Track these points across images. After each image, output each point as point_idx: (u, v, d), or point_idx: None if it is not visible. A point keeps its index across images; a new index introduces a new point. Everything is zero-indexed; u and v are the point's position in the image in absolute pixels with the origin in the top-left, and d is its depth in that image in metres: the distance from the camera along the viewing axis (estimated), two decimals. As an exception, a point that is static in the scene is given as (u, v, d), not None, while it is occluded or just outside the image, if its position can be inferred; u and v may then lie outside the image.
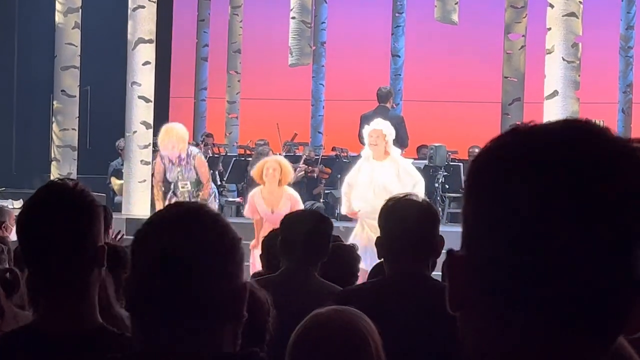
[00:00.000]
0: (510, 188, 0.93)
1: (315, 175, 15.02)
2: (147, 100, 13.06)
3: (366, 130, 9.79)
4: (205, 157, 15.15)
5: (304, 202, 14.45)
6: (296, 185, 14.44)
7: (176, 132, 10.15)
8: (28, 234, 2.28)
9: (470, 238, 0.97)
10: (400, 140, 12.72)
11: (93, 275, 2.25)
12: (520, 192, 0.93)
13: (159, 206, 9.96)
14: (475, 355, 0.97)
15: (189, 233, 1.78)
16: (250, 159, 15.50)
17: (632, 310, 0.93)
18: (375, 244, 3.46)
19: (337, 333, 2.29)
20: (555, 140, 0.94)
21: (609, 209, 0.91)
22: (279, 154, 15.31)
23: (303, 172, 14.81)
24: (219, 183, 15.30)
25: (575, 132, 0.95)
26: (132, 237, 1.87)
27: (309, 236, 3.83)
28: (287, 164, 9.45)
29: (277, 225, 4.19)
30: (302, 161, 15.15)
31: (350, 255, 4.64)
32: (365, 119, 12.83)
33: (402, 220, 3.28)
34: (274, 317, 3.07)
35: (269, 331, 2.98)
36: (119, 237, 6.16)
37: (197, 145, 15.91)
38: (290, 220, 4.00)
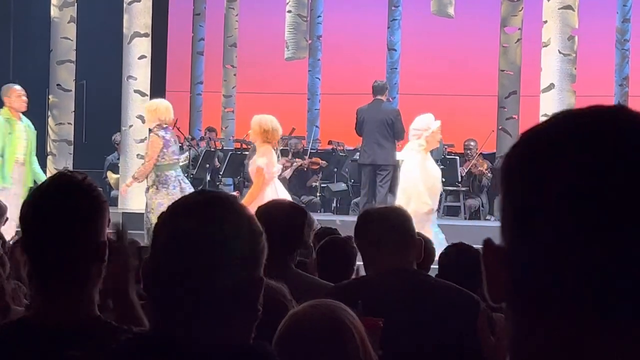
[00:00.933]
0: (551, 179, 0.91)
1: (305, 167, 14.98)
2: (143, 94, 13.05)
3: (435, 124, 10.16)
4: (204, 150, 15.18)
5: (299, 196, 14.47)
6: (289, 179, 14.45)
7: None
8: (32, 222, 2.28)
9: (509, 231, 0.95)
10: (397, 134, 12.74)
11: (93, 269, 2.26)
12: (563, 183, 0.91)
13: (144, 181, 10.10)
14: (512, 352, 0.96)
15: (212, 220, 1.79)
16: (247, 152, 15.50)
17: None
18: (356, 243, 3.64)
19: (317, 328, 2.28)
20: (600, 126, 0.92)
21: None
22: (277, 149, 15.30)
23: (296, 165, 14.77)
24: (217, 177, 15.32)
25: (619, 117, 0.93)
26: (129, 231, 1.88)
27: (283, 226, 3.82)
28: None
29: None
30: (290, 155, 15.11)
31: (346, 248, 4.64)
32: (360, 113, 12.84)
33: (382, 225, 3.48)
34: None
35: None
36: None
37: (192, 139, 15.93)
38: (263, 211, 3.99)
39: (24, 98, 10.92)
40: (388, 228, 3.45)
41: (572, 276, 0.90)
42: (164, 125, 9.93)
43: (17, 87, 11.11)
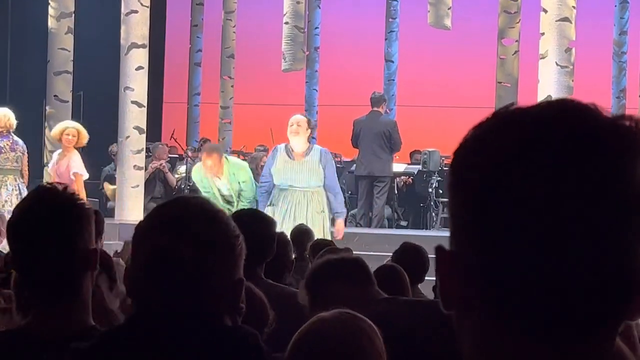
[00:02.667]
0: (498, 179, 0.88)
1: None
2: (140, 105, 13.04)
3: None
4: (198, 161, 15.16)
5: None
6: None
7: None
8: (17, 238, 2.28)
9: (458, 233, 0.93)
10: (394, 145, 12.74)
11: (85, 279, 2.24)
12: (509, 183, 0.87)
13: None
14: (470, 356, 0.93)
15: (188, 228, 1.83)
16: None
17: (631, 304, 0.89)
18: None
19: (340, 336, 2.27)
20: (543, 123, 0.89)
21: (609, 195, 0.86)
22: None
23: None
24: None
25: (567, 111, 0.89)
26: (123, 242, 1.92)
27: (254, 236, 3.80)
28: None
29: None
30: None
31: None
32: (357, 124, 12.84)
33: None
34: (272, 325, 3.06)
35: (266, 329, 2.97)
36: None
37: (192, 150, 15.90)
38: (234, 220, 3.96)
39: None
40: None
41: (521, 283, 0.88)
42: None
43: None
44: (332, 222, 9.37)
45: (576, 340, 0.89)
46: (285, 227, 7.86)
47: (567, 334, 0.89)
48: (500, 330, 0.90)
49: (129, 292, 1.90)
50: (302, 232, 6.69)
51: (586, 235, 0.86)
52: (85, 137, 11.06)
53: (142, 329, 1.84)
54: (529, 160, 0.87)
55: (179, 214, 1.86)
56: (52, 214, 2.23)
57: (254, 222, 3.93)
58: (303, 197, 8.87)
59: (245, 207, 7.95)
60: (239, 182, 9.73)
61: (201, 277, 1.81)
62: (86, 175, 11.03)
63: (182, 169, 15.05)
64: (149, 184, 13.64)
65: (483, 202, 0.89)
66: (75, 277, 2.23)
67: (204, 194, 9.93)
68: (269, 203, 8.95)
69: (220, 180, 9.87)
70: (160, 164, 14.44)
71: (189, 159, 15.14)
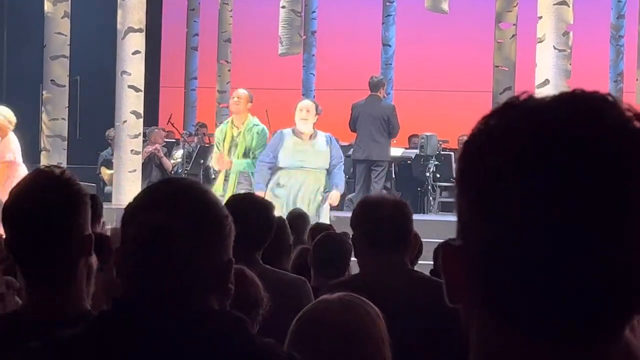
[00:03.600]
0: (505, 176, 0.87)
1: None
2: (137, 90, 13.01)
3: None
4: (197, 146, 15.15)
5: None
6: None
7: None
8: (13, 221, 2.26)
9: (465, 228, 0.92)
10: (392, 130, 12.74)
11: (80, 264, 2.24)
12: (516, 180, 0.86)
13: None
14: (475, 352, 0.92)
15: (176, 209, 1.83)
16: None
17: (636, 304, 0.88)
18: (352, 241, 3.53)
19: (344, 317, 2.28)
20: (557, 118, 0.87)
21: (616, 196, 0.85)
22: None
23: None
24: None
25: (578, 109, 0.88)
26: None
27: (252, 221, 3.79)
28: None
29: None
30: None
31: (341, 244, 4.62)
32: (356, 108, 12.83)
33: (378, 218, 3.34)
34: (265, 312, 3.05)
35: (254, 322, 2.96)
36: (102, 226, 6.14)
37: (189, 135, 15.89)
38: (232, 204, 3.96)
39: None
40: (384, 220, 3.33)
41: (523, 281, 0.87)
42: None
43: None
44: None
45: (578, 341, 0.88)
46: (297, 206, 8.36)
47: (569, 335, 0.88)
48: (501, 327, 0.90)
49: (118, 272, 1.90)
50: (297, 217, 6.69)
51: (591, 236, 0.85)
52: (9, 121, 10.77)
53: (125, 315, 1.84)
54: (538, 159, 0.86)
55: (169, 192, 1.87)
56: (48, 198, 2.22)
57: (252, 206, 3.92)
58: (313, 177, 9.14)
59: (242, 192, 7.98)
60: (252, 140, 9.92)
61: (193, 254, 1.81)
62: (19, 160, 10.94)
63: (178, 153, 15.04)
64: (144, 168, 13.63)
65: (488, 198, 0.88)
66: (70, 262, 2.23)
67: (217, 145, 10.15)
68: (275, 184, 9.12)
69: (237, 130, 10.05)
70: (155, 148, 14.41)
71: (186, 143, 15.13)
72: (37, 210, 2.21)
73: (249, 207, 3.89)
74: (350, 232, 3.58)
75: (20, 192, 2.28)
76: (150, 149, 14.41)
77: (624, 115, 0.88)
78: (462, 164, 0.92)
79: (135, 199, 1.91)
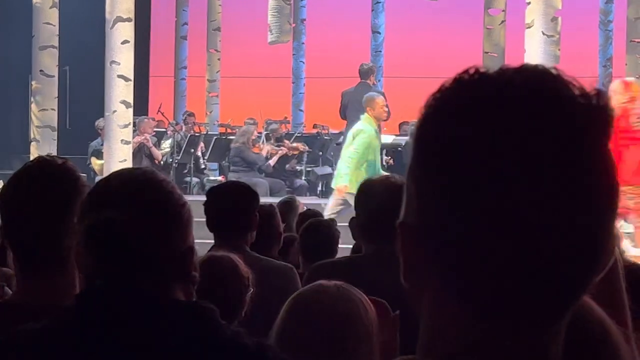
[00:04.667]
0: (454, 147, 0.87)
1: (288, 153, 14.95)
2: (126, 80, 12.99)
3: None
4: (186, 136, 15.14)
5: (283, 180, 14.46)
6: (275, 167, 14.46)
7: None
8: (11, 208, 2.27)
9: (418, 205, 0.90)
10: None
11: (74, 252, 2.25)
12: (465, 151, 0.86)
13: None
14: (425, 329, 0.92)
15: (126, 203, 1.82)
16: (232, 137, 15.46)
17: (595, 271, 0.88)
18: (350, 224, 3.47)
19: (339, 302, 2.29)
20: (505, 98, 0.87)
21: (563, 170, 0.85)
22: (260, 133, 15.29)
23: (282, 154, 14.75)
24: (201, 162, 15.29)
25: (524, 79, 0.88)
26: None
27: (235, 208, 3.81)
28: None
29: None
30: (272, 139, 15.07)
31: (330, 230, 4.63)
32: (346, 96, 12.83)
33: (379, 200, 3.24)
34: (252, 295, 3.06)
35: (243, 307, 2.97)
36: None
37: (176, 124, 15.88)
38: (214, 194, 3.98)
39: None
40: (380, 205, 3.21)
41: (470, 259, 0.86)
42: None
43: None
44: None
45: (534, 322, 0.88)
46: None
47: (515, 316, 0.87)
48: (451, 306, 0.89)
49: (79, 268, 1.90)
50: (286, 204, 6.71)
51: (539, 215, 0.85)
52: None
53: (88, 309, 1.83)
54: (484, 132, 0.86)
55: (118, 186, 1.86)
56: (47, 186, 2.23)
57: (235, 194, 3.94)
58: None
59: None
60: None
61: (148, 246, 1.81)
62: None
63: (166, 143, 15.02)
64: (134, 158, 13.61)
65: (437, 173, 0.88)
66: (66, 252, 2.23)
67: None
68: None
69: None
70: (144, 138, 14.38)
71: (176, 132, 15.12)
72: (38, 199, 2.22)
73: (231, 194, 3.91)
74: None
75: (21, 180, 2.28)
76: (139, 139, 14.39)
77: (575, 89, 0.88)
78: (415, 140, 0.92)
79: (87, 194, 1.91)
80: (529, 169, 0.85)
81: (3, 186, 2.31)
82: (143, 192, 1.84)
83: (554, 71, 0.89)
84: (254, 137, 14.41)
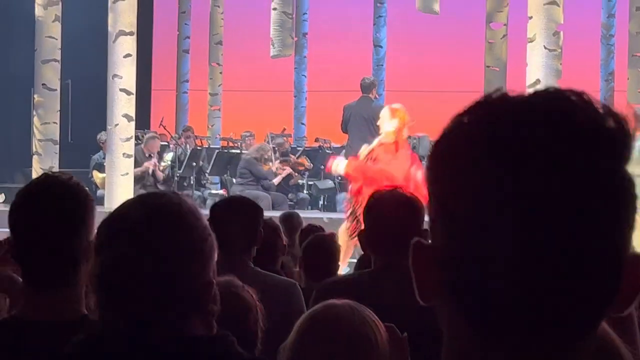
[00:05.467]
0: (472, 174, 0.86)
1: (292, 173, 14.94)
2: (128, 93, 13.01)
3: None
4: (189, 149, 15.14)
5: (286, 194, 14.46)
6: (280, 184, 14.46)
7: None
8: (20, 224, 2.27)
9: (433, 225, 0.91)
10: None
11: (82, 269, 2.25)
12: (484, 175, 0.86)
13: None
14: (445, 349, 0.92)
15: (147, 236, 1.77)
16: (234, 151, 15.46)
17: (616, 290, 0.87)
18: (359, 237, 3.43)
19: (352, 321, 2.28)
20: (528, 118, 0.87)
21: (581, 194, 0.85)
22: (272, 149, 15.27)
23: (286, 173, 14.74)
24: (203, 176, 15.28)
25: (550, 109, 0.87)
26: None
27: (238, 224, 3.78)
28: None
29: None
30: (277, 153, 15.06)
31: (331, 245, 4.63)
32: (347, 109, 12.84)
33: (387, 214, 3.22)
34: (263, 317, 3.04)
35: (260, 333, 2.95)
36: None
37: (179, 138, 15.89)
38: (219, 209, 3.96)
39: None
40: (388, 219, 3.20)
41: (502, 281, 0.86)
42: None
43: None
44: None
45: (544, 340, 0.87)
46: None
47: (535, 334, 0.87)
48: (463, 324, 0.89)
49: (93, 289, 1.85)
50: (288, 217, 6.71)
51: (553, 233, 0.85)
52: None
53: (106, 345, 1.80)
54: (504, 155, 0.86)
55: (138, 219, 1.79)
56: (55, 203, 2.23)
57: (241, 210, 3.92)
58: None
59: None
60: None
61: (170, 279, 1.76)
62: None
63: (168, 156, 15.02)
64: (139, 181, 13.64)
65: (455, 196, 0.88)
66: (74, 267, 2.24)
67: None
68: None
69: None
70: (153, 164, 14.38)
71: (178, 147, 15.12)
72: (46, 216, 2.22)
73: (236, 210, 3.89)
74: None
75: (29, 197, 2.28)
76: (149, 165, 14.35)
77: (598, 114, 0.88)
78: (431, 161, 0.92)
79: (105, 224, 1.84)
80: (549, 195, 0.85)
81: (12, 204, 2.31)
82: (165, 225, 1.79)
83: (573, 96, 0.89)
84: (267, 156, 14.40)
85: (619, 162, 0.87)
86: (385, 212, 3.23)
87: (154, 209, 1.84)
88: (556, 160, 0.85)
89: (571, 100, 0.88)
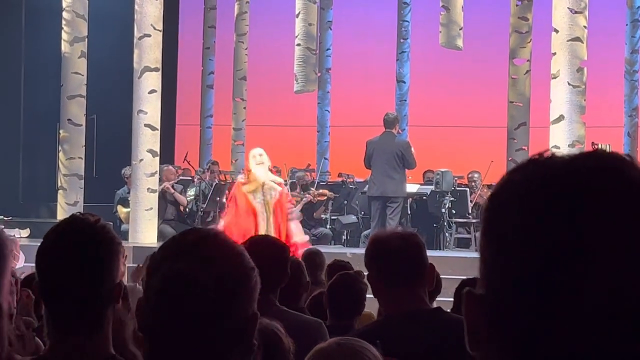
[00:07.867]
0: (529, 227, 0.89)
1: (314, 200, 14.94)
2: (153, 129, 13.09)
3: None
4: (211, 184, 15.19)
5: (309, 229, 14.45)
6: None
7: None
8: (47, 267, 2.28)
9: (488, 277, 0.93)
10: (407, 165, 12.76)
11: (108, 311, 2.26)
12: (540, 232, 0.89)
13: None
14: None
15: (206, 254, 1.77)
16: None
17: None
18: (368, 279, 3.44)
19: (344, 356, 2.29)
20: (577, 176, 0.90)
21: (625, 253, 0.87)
22: (287, 181, 15.32)
23: (306, 201, 14.73)
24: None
25: (599, 166, 0.91)
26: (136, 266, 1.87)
27: (265, 263, 3.78)
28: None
29: None
30: (298, 188, 15.08)
31: (356, 284, 4.62)
32: (370, 145, 12.87)
33: (389, 252, 3.26)
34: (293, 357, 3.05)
35: None
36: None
37: (202, 172, 15.95)
38: (247, 249, 3.95)
39: None
40: (394, 253, 3.24)
41: (552, 331, 0.88)
42: None
43: None
44: None
45: None
46: None
47: None
48: None
49: (139, 327, 1.83)
50: (312, 254, 6.71)
51: (604, 298, 0.87)
52: None
53: None
54: (558, 216, 0.88)
55: (195, 240, 1.80)
56: (81, 245, 2.24)
57: (268, 251, 3.92)
58: None
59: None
60: None
61: (218, 306, 1.75)
62: None
63: (191, 191, 15.07)
64: (159, 206, 13.68)
65: (508, 251, 0.91)
66: (100, 309, 2.25)
67: None
68: None
69: None
70: (165, 186, 14.41)
71: (201, 181, 15.17)
72: (72, 258, 2.23)
73: (264, 249, 3.89)
74: (365, 270, 3.53)
75: (55, 239, 2.29)
76: (160, 187, 14.44)
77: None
78: (486, 216, 0.95)
79: (160, 249, 1.84)
80: (591, 256, 0.87)
81: (39, 247, 2.33)
82: (216, 251, 1.79)
83: (616, 155, 0.92)
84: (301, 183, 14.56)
85: None
86: (389, 248, 3.30)
87: (207, 232, 1.85)
88: (614, 212, 0.88)
89: (618, 158, 0.92)
